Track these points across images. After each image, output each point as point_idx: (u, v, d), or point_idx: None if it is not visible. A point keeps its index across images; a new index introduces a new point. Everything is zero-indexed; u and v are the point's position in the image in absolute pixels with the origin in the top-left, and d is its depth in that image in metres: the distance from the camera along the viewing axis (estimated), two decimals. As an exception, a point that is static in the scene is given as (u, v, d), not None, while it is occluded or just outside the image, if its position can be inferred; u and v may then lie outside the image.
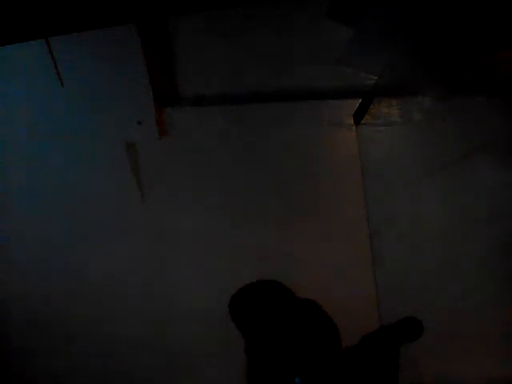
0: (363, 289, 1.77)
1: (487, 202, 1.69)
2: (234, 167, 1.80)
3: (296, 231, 1.78)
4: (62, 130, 1.83)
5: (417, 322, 1.28)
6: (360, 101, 1.72)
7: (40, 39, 1.71)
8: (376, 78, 1.66)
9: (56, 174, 1.86)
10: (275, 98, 1.73)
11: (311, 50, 1.69)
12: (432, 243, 1.74)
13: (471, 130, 1.67)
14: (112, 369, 1.92)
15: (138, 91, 1.75)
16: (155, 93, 1.75)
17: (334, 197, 1.76)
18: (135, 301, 1.88)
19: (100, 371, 1.93)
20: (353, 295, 1.73)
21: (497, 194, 1.69)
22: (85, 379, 1.96)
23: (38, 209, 1.88)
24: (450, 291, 1.74)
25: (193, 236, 1.83)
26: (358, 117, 1.73)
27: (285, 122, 1.74)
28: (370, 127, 1.72)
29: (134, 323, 1.89)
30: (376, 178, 1.74)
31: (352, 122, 1.73)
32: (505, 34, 1.54)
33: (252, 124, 1.76)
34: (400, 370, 1.26)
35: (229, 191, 1.80)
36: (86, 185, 1.85)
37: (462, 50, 1.59)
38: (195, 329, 1.85)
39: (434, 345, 1.65)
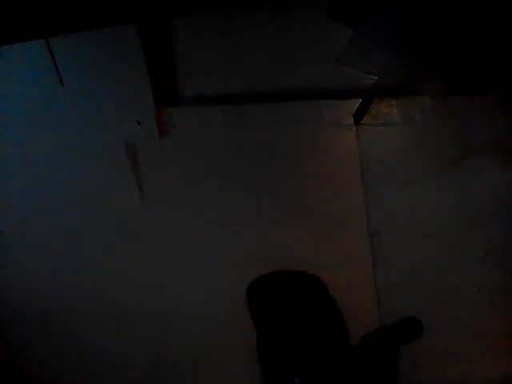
0: (363, 289, 1.77)
1: (487, 202, 1.69)
2: (234, 167, 1.80)
3: (296, 231, 1.78)
4: (62, 129, 1.83)
5: (417, 322, 1.28)
6: (360, 101, 1.72)
7: (40, 39, 1.71)
8: (376, 77, 1.66)
9: (55, 173, 1.86)
10: (275, 98, 1.73)
11: (311, 49, 1.68)
12: (432, 243, 1.74)
13: (471, 130, 1.67)
14: (111, 369, 1.92)
15: (137, 91, 1.75)
16: (155, 93, 1.75)
17: (333, 197, 1.76)
18: (135, 301, 1.88)
19: (100, 371, 1.93)
20: (353, 295, 1.73)
21: (497, 194, 1.69)
22: (84, 379, 1.96)
23: (37, 208, 1.88)
24: (450, 291, 1.74)
25: (193, 236, 1.83)
26: (358, 117, 1.73)
27: (285, 122, 1.74)
28: (370, 127, 1.72)
29: (133, 323, 1.89)
30: (376, 178, 1.74)
31: (352, 122, 1.73)
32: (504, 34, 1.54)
33: (252, 124, 1.76)
34: (400, 370, 1.26)
35: (229, 191, 1.80)
36: (85, 185, 1.85)
37: (463, 50, 1.59)
38: (195, 329, 1.85)
39: (434, 345, 1.65)
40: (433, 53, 1.61)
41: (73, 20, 1.63)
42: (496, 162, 1.67)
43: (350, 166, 1.74)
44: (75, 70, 1.77)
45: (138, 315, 1.88)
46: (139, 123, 1.79)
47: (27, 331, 1.94)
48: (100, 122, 1.81)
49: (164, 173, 1.82)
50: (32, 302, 1.92)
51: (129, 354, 1.91)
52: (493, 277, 1.72)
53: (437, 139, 1.70)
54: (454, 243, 1.73)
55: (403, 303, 1.72)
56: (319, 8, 1.63)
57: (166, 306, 1.87)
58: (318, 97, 1.72)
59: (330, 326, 1.28)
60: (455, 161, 1.68)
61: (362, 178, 1.74)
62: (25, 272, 1.92)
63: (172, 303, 1.86)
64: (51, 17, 1.62)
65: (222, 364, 1.83)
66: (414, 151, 1.73)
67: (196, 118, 1.78)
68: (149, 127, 1.78)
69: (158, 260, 1.85)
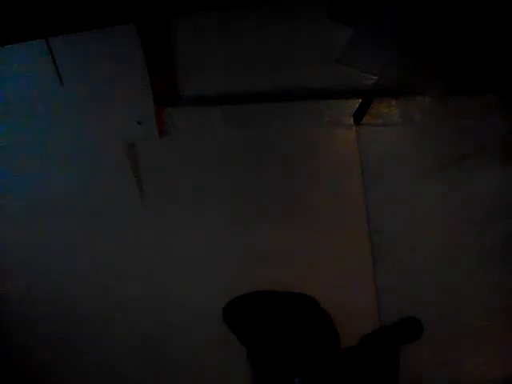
0: (363, 289, 1.77)
1: (487, 202, 1.69)
2: (234, 167, 1.80)
3: (296, 231, 1.78)
4: (62, 129, 1.83)
5: (417, 321, 1.28)
6: (360, 101, 1.71)
7: (40, 39, 1.71)
8: (376, 77, 1.66)
9: (55, 173, 1.86)
10: (275, 98, 1.73)
11: (311, 49, 1.68)
12: (432, 243, 1.74)
13: (471, 130, 1.67)
14: (111, 369, 1.92)
15: (137, 91, 1.75)
16: (155, 93, 1.75)
17: (333, 197, 1.76)
18: (134, 301, 1.88)
19: (100, 371, 1.93)
20: (353, 295, 1.73)
21: (497, 194, 1.69)
22: (84, 379, 1.96)
23: (37, 208, 1.88)
24: (450, 291, 1.74)
25: (193, 236, 1.83)
26: (358, 117, 1.73)
27: (285, 122, 1.74)
28: (370, 127, 1.72)
29: (133, 323, 1.89)
30: (376, 178, 1.74)
31: (352, 122, 1.73)
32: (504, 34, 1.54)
33: (252, 124, 1.76)
34: (400, 370, 1.26)
35: (229, 191, 1.80)
36: (85, 185, 1.85)
37: (462, 50, 1.59)
38: (195, 329, 1.85)
39: (434, 344, 1.65)
40: (433, 53, 1.61)
41: (73, 20, 1.63)
42: (496, 161, 1.67)
43: (350, 165, 1.74)
44: (75, 69, 1.77)
45: (138, 315, 1.88)
46: (139, 123, 1.79)
47: (27, 331, 1.94)
48: (100, 122, 1.81)
49: (164, 173, 1.82)
50: (32, 303, 1.92)
51: (129, 354, 1.91)
52: (493, 277, 1.72)
53: (437, 139, 1.70)
54: (454, 243, 1.73)
55: (403, 303, 1.72)
56: (319, 8, 1.63)
57: (166, 306, 1.87)
58: (318, 97, 1.72)
59: (322, 328, 1.28)
60: (455, 161, 1.68)
61: (362, 177, 1.74)
62: (25, 272, 1.92)
63: (172, 303, 1.86)
64: (51, 17, 1.62)
65: (221, 364, 1.83)
66: (413, 151, 1.73)
67: (196, 118, 1.78)
68: (149, 127, 1.79)
69: (158, 260, 1.85)
